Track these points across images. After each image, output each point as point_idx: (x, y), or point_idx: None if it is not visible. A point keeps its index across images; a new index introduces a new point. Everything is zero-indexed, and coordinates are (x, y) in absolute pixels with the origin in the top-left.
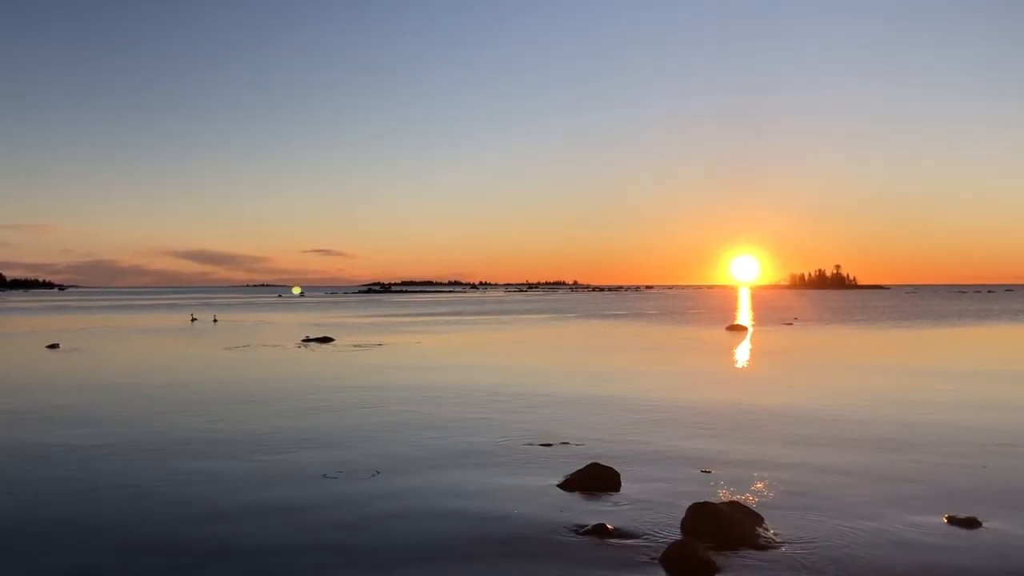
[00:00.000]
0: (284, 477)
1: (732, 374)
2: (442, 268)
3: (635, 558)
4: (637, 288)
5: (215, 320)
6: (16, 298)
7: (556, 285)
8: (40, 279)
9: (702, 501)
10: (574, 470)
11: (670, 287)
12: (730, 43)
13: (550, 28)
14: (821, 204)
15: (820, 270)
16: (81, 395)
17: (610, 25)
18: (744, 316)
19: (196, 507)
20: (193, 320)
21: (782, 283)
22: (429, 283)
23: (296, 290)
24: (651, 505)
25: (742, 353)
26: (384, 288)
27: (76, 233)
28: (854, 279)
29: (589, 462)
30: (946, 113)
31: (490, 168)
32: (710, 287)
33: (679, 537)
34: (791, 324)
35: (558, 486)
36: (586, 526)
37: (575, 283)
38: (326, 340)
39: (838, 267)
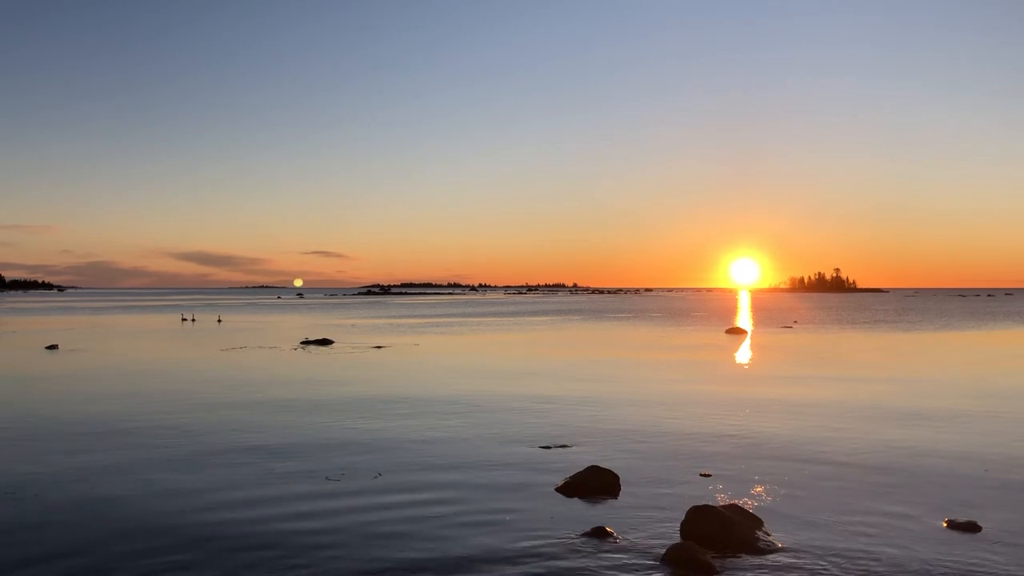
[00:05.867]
0: (286, 479)
1: (732, 377)
2: (441, 270)
3: (634, 561)
4: (637, 291)
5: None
6: (15, 299)
7: (556, 287)
8: (39, 280)
9: (702, 504)
10: (573, 473)
11: (670, 289)
12: (732, 43)
13: (547, 29)
14: (821, 207)
15: (820, 273)
16: (80, 396)
17: (610, 26)
18: (744, 319)
19: (196, 509)
20: (184, 321)
21: (781, 286)
22: (428, 285)
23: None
24: (650, 508)
25: (742, 356)
26: (383, 290)
27: (75, 234)
28: (854, 282)
29: (588, 465)
30: (947, 115)
31: (489, 170)
32: (710, 290)
33: (678, 540)
34: (791, 327)
35: (557, 489)
36: (585, 529)
37: (575, 285)
38: (325, 342)
39: (838, 270)
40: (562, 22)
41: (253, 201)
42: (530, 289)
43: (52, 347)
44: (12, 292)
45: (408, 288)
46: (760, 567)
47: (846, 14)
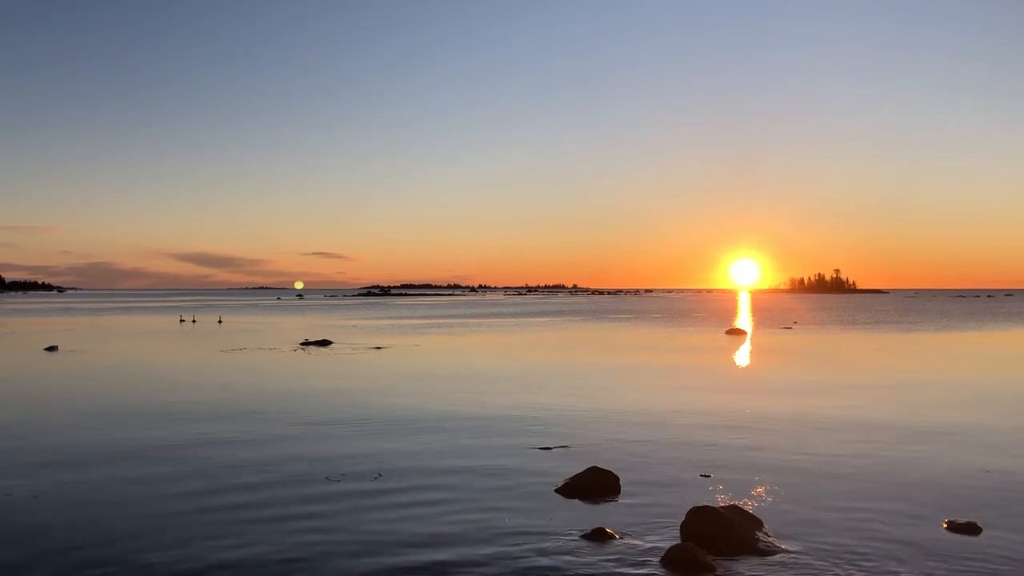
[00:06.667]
0: (286, 481)
1: (732, 379)
2: (441, 271)
3: (634, 562)
4: (637, 292)
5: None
6: (15, 300)
7: (555, 288)
8: (39, 281)
9: (702, 505)
10: (574, 473)
11: (670, 290)
12: (732, 43)
13: (547, 29)
14: (821, 207)
15: (819, 274)
16: (79, 398)
17: (610, 25)
18: (744, 320)
19: (197, 511)
20: (182, 322)
21: (781, 287)
22: (428, 286)
23: (299, 285)
24: (651, 509)
25: (742, 358)
26: (383, 291)
27: (75, 235)
28: (853, 283)
29: (589, 466)
30: (947, 115)
31: (489, 171)
32: (710, 291)
33: (679, 541)
34: (791, 328)
35: (557, 490)
36: (586, 530)
37: (574, 286)
38: (325, 343)
39: (837, 271)
40: (562, 22)
41: (253, 202)
42: (530, 290)
43: (52, 348)
44: (12, 293)
45: (408, 289)
46: (760, 568)
47: (846, 14)
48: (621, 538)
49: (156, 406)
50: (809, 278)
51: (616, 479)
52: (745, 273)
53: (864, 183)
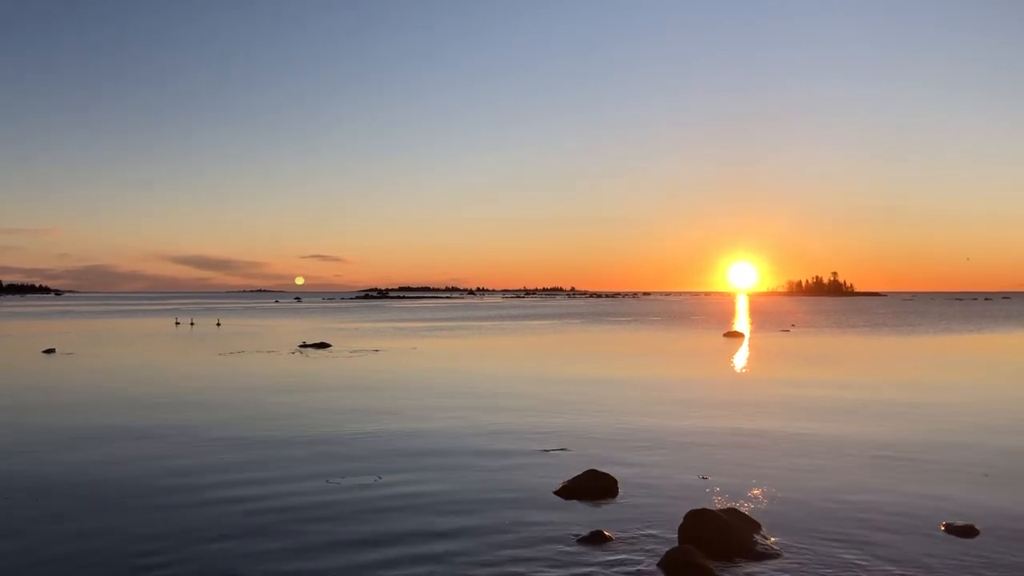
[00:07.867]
0: (287, 482)
1: (729, 382)
2: (439, 274)
3: (633, 565)
4: (635, 295)
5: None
6: (12, 303)
7: (554, 291)
8: (37, 284)
9: (700, 508)
10: (572, 476)
11: (668, 293)
12: (732, 43)
13: (546, 31)
14: (818, 210)
15: (817, 277)
16: (77, 400)
17: (610, 25)
18: (742, 323)
19: (197, 513)
20: (177, 324)
21: (779, 290)
22: (426, 289)
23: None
24: (649, 512)
25: (740, 360)
26: (381, 294)
27: (73, 238)
28: (851, 286)
29: (587, 468)
30: (948, 115)
31: (487, 173)
32: (708, 293)
33: (677, 544)
34: (788, 331)
35: (556, 492)
36: (583, 532)
37: (573, 289)
38: (323, 346)
39: (835, 274)
40: (562, 22)
41: (251, 204)
42: (528, 293)
43: (49, 351)
44: (9, 296)
45: (406, 292)
46: (758, 571)
47: (846, 14)
48: (619, 540)
49: (154, 408)
50: (807, 281)
51: (614, 481)
52: (743, 276)
53: (863, 184)
